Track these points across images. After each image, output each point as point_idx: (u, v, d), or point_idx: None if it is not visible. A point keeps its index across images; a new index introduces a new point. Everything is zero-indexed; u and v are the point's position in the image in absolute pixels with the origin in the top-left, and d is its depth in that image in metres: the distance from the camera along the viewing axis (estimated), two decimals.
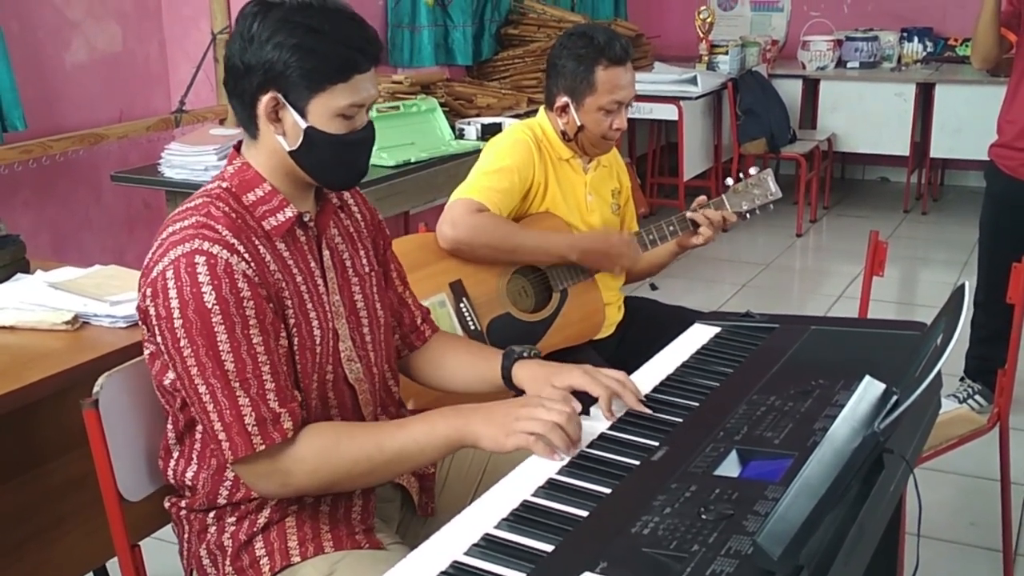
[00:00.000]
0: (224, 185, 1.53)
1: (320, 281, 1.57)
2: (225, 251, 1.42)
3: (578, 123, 2.42)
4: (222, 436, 1.43)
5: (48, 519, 1.87)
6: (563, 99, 2.42)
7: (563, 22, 5.25)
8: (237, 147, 1.58)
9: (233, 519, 1.55)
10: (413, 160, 3.69)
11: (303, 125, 1.48)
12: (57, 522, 1.88)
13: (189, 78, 3.84)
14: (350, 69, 1.48)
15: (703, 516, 1.23)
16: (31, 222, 3.43)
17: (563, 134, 2.47)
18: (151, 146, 3.77)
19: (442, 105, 4.16)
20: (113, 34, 3.75)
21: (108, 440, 1.55)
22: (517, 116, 4.47)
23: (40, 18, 3.45)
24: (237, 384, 1.41)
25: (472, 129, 4.10)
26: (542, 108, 2.52)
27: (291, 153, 1.51)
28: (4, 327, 1.93)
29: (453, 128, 4.12)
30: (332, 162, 1.53)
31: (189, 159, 3.32)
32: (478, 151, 2.54)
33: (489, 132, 3.94)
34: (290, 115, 1.48)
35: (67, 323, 1.92)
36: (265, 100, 1.47)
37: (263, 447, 1.42)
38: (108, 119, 3.70)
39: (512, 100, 4.77)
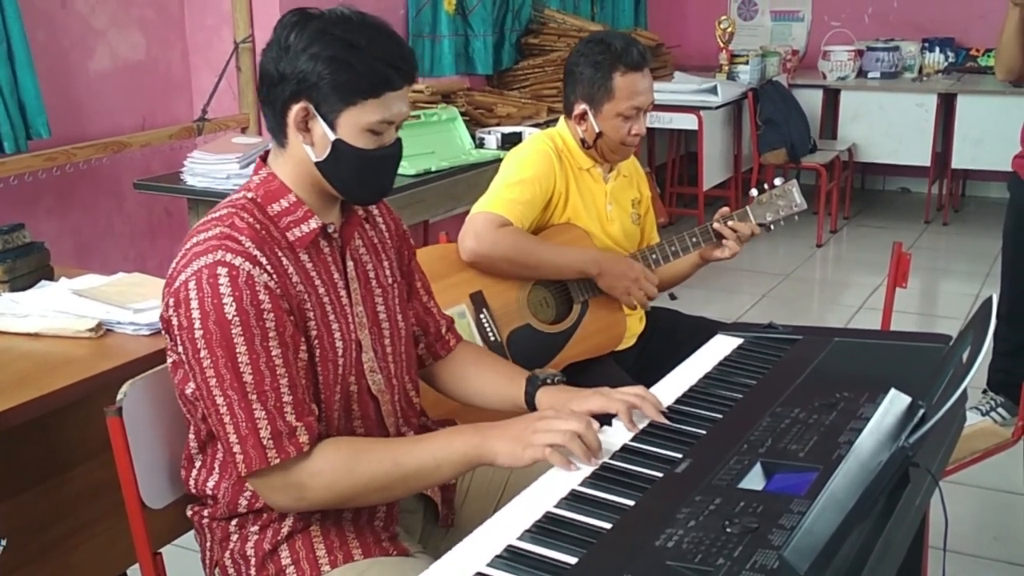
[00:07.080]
0: (249, 195, 1.54)
1: (343, 293, 1.58)
2: (247, 263, 1.43)
3: (597, 130, 2.42)
4: (237, 449, 1.43)
5: (71, 526, 1.87)
6: (581, 106, 2.42)
7: (583, 32, 5.25)
8: (264, 157, 1.59)
9: (256, 528, 1.55)
10: (433, 169, 3.71)
11: (331, 137, 1.49)
12: (79, 529, 1.89)
13: (211, 86, 3.86)
14: (383, 86, 1.48)
15: (728, 529, 1.22)
16: (54, 229, 3.46)
17: (582, 142, 2.46)
18: (173, 154, 3.79)
19: (462, 114, 4.17)
20: (136, 42, 3.78)
21: (131, 448, 1.56)
22: (537, 125, 4.47)
23: (65, 27, 3.48)
24: (254, 396, 1.41)
25: (492, 138, 4.11)
26: (562, 118, 2.52)
27: (317, 164, 1.51)
28: (28, 334, 1.94)
29: (473, 137, 4.13)
30: (356, 176, 1.53)
31: (211, 167, 3.34)
32: (498, 160, 2.54)
33: (509, 141, 3.95)
34: (319, 126, 1.49)
35: (91, 330, 1.93)
36: (296, 109, 1.48)
37: (277, 461, 1.42)
38: (131, 127, 3.73)
39: (532, 109, 4.78)
